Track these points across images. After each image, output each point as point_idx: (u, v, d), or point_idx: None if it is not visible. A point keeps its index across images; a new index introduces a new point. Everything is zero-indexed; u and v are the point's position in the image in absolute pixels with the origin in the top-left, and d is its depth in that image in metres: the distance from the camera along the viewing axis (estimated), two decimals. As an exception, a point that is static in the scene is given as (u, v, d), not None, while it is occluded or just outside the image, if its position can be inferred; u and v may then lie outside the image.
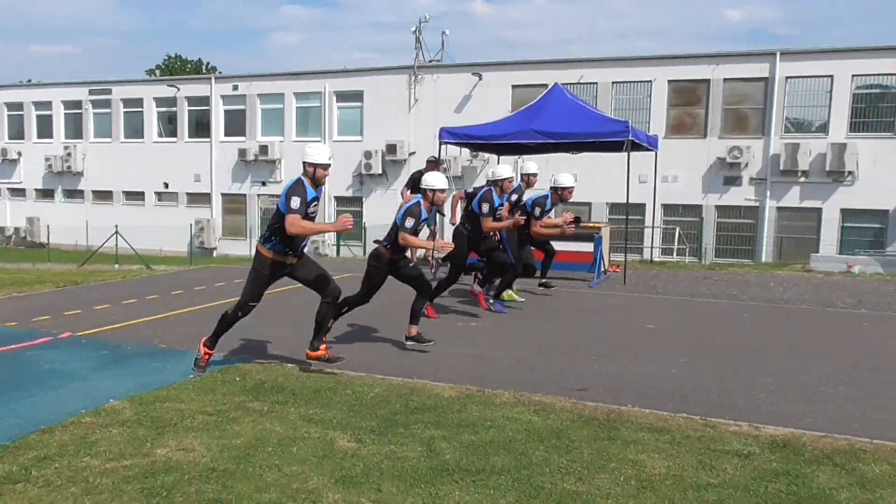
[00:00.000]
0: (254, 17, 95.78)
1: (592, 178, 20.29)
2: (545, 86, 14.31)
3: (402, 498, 3.85)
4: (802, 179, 21.89)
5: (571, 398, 5.63)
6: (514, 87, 24.41)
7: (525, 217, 9.26)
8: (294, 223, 5.84)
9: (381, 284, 7.12)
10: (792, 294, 11.42)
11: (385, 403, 5.43)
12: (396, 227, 6.97)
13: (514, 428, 4.92)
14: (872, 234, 21.42)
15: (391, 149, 25.64)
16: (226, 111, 29.39)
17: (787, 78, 22.02)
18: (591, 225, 14.39)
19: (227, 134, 29.27)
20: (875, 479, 4.20)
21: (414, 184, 13.83)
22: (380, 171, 26.14)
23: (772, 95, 22.06)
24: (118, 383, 5.90)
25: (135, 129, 30.92)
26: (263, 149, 27.88)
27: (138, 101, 30.68)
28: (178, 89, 29.97)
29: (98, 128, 31.60)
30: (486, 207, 8.73)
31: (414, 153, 25.40)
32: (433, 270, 11.80)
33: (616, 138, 11.60)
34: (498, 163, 16.56)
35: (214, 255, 28.31)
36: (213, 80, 30.17)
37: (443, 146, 13.40)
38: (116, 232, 22.46)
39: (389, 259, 6.99)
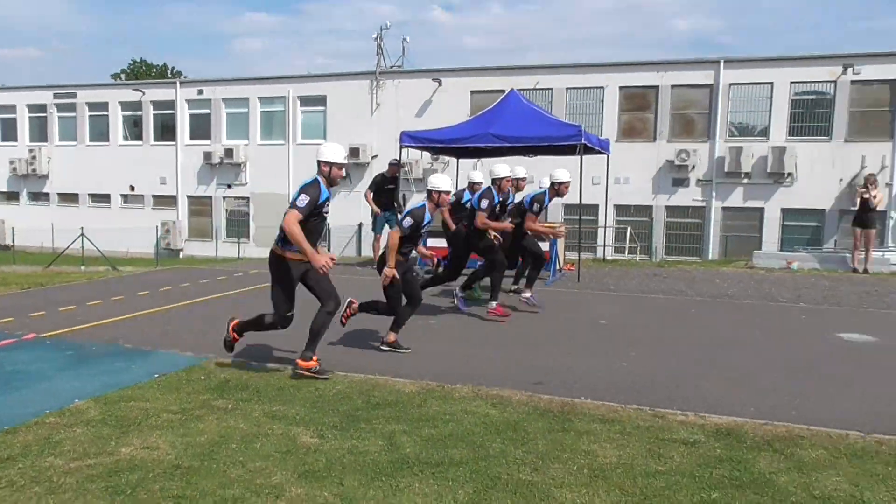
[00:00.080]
0: (219, 23, 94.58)
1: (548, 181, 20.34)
2: (502, 91, 14.33)
3: (364, 491, 3.84)
4: (745, 181, 22.31)
5: (527, 391, 5.66)
6: (472, 92, 24.46)
7: (515, 222, 9.15)
8: (291, 220, 5.61)
9: (401, 289, 6.83)
10: (736, 290, 11.64)
11: (347, 400, 5.40)
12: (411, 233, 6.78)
13: (472, 421, 4.93)
14: (811, 232, 21.92)
15: (354, 152, 25.49)
16: (191, 115, 28.94)
17: (731, 85, 22.43)
18: (548, 225, 14.50)
19: (192, 137, 28.83)
20: (811, 463, 4.30)
21: (377, 186, 13.80)
22: (343, 174, 25.93)
23: (716, 101, 22.44)
24: (83, 383, 5.77)
25: (100, 132, 30.28)
26: (229, 152, 27.53)
27: (104, 105, 30.06)
28: (144, 93, 29.43)
29: (63, 131, 30.87)
30: (484, 203, 8.59)
31: (376, 156, 25.32)
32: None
33: (569, 142, 11.70)
34: (457, 166, 16.66)
35: (181, 256, 27.88)
36: (178, 85, 29.70)
37: (404, 149, 13.37)
38: (82, 234, 21.97)
39: (398, 260, 6.74)
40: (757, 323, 8.94)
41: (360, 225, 24.44)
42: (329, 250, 25.62)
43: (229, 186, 28.17)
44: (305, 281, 5.98)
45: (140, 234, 26.33)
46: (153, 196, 29.55)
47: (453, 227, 9.83)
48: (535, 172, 22.05)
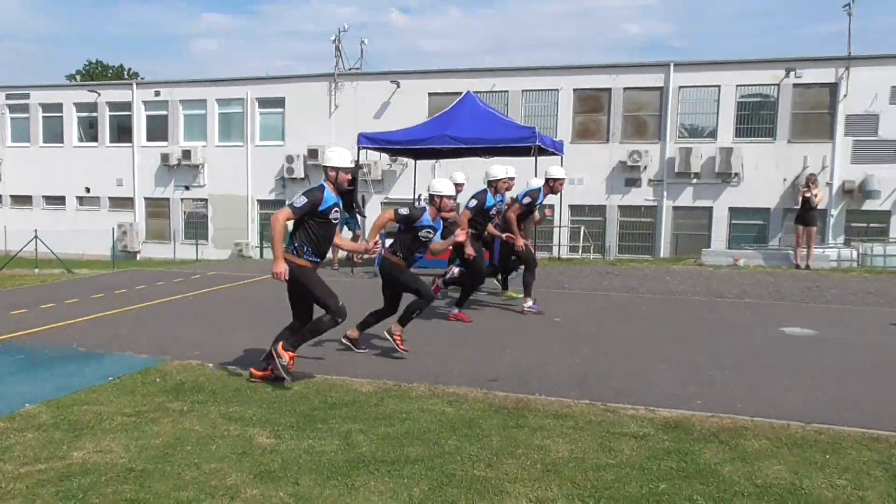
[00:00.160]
0: (175, 24, 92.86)
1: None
2: (460, 93, 14.38)
3: (319, 490, 3.81)
4: (695, 181, 22.73)
5: (483, 389, 5.68)
6: (430, 94, 24.46)
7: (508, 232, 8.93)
8: (279, 215, 5.50)
9: (415, 277, 6.76)
10: (685, 286, 11.85)
11: (304, 400, 5.35)
12: (400, 233, 6.69)
13: (428, 419, 4.93)
14: (757, 229, 22.43)
15: (313, 153, 25.29)
16: (148, 116, 28.38)
17: (680, 87, 22.82)
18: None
19: (149, 139, 28.27)
20: (754, 452, 4.40)
21: None
22: (302, 175, 25.75)
23: (667, 103, 22.81)
24: (35, 388, 5.63)
25: (54, 133, 29.50)
26: (186, 153, 27.07)
27: (58, 106, 29.29)
28: (99, 94, 28.76)
29: (16, 132, 29.99)
30: (472, 202, 8.48)
31: (335, 157, 25.12)
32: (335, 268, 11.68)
33: (524, 143, 11.80)
34: (415, 167, 16.66)
35: (138, 258, 27.32)
36: (134, 86, 29.10)
37: (362, 151, 13.32)
38: (36, 237, 21.39)
39: (392, 262, 6.67)
40: (705, 318, 9.11)
41: (319, 226, 24.22)
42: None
43: (187, 188, 27.72)
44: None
45: (96, 236, 25.74)
46: (109, 198, 28.91)
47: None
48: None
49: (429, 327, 8.31)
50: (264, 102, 26.88)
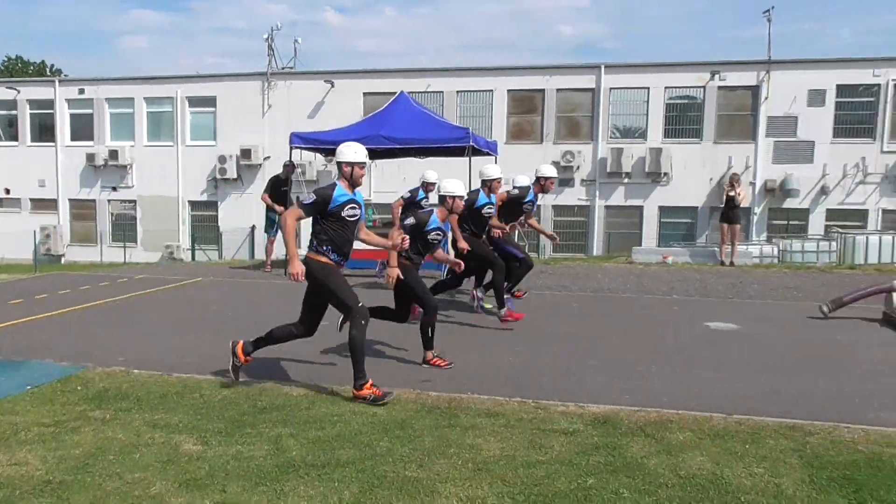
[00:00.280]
0: (102, 20, 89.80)
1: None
2: (395, 94, 14.33)
3: (247, 497, 3.74)
4: (626, 180, 23.24)
5: (416, 389, 5.68)
6: (365, 94, 24.32)
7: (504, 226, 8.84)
8: (286, 216, 5.40)
9: (422, 283, 6.58)
10: (616, 284, 12.10)
11: (233, 405, 5.25)
12: (412, 236, 6.48)
13: (360, 421, 4.90)
14: (685, 228, 23.09)
15: (246, 153, 24.86)
16: (72, 115, 27.34)
17: (611, 89, 23.29)
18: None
19: (73, 138, 27.24)
20: (679, 445, 4.52)
21: (272, 187, 13.50)
22: (235, 176, 25.27)
23: (598, 105, 23.25)
24: (-55, 400, 5.35)
25: (-30, 132, 28.18)
26: (113, 154, 26.20)
27: (-26, 104, 27.99)
28: (19, 91, 27.57)
29: (-71, 131, 28.54)
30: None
31: (269, 157, 24.75)
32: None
33: (458, 144, 11.86)
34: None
35: (63, 262, 26.30)
36: (56, 84, 27.99)
37: (297, 151, 13.15)
38: (-49, 240, 20.39)
39: (405, 265, 6.49)
40: (634, 315, 9.32)
41: (252, 227, 23.85)
42: (221, 255, 24.72)
43: (115, 189, 26.84)
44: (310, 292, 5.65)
45: (17, 239, 24.69)
46: (31, 199, 27.76)
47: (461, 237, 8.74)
48: (428, 174, 22.17)
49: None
50: (195, 101, 26.26)
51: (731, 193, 14.86)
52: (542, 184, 9.08)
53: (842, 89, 21.59)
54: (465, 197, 7.14)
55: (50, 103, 27.27)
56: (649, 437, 4.65)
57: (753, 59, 22.44)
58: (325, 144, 12.79)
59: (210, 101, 26.02)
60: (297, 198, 14.82)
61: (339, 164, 5.57)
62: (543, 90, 23.75)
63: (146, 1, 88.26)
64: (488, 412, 5.14)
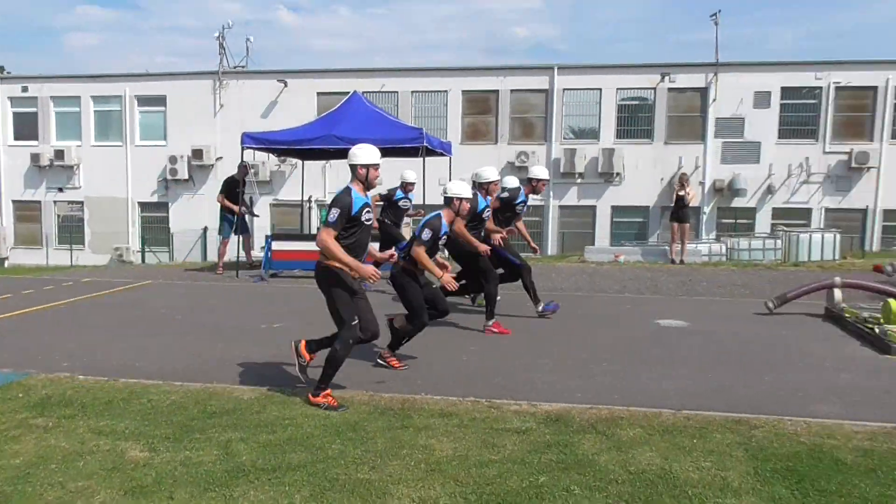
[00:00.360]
0: (47, 16, 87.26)
1: (396, 182, 20.60)
2: (349, 93, 14.23)
3: (196, 503, 3.67)
4: (579, 180, 23.48)
5: (369, 391, 5.65)
6: (319, 94, 24.10)
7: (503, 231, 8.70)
8: (324, 238, 5.14)
9: (421, 296, 6.40)
10: (569, 283, 12.22)
11: (182, 410, 5.15)
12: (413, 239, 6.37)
13: (311, 424, 4.85)
14: (637, 227, 23.43)
15: (197, 154, 24.41)
16: (15, 113, 26.49)
17: (564, 90, 23.51)
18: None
19: (17, 137, 26.39)
20: (629, 441, 4.59)
21: (228, 188, 13.30)
22: (186, 177, 24.80)
23: (552, 106, 23.46)
24: None
25: None
26: (59, 154, 25.46)
27: None
28: (-43, 89, 26.64)
29: None
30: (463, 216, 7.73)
31: (221, 158, 24.36)
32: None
33: (412, 144, 11.84)
34: (303, 167, 16.39)
35: (6, 265, 25.49)
36: (-3, 81, 27.12)
37: (253, 151, 12.99)
38: None
39: (406, 269, 6.40)
40: (587, 313, 9.42)
41: (204, 229, 23.45)
42: (172, 257, 24.27)
43: (61, 190, 26.09)
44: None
45: (-43, 242, 23.86)
46: (-28, 201, 26.84)
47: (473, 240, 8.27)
48: (383, 174, 22.07)
49: (313, 332, 8.17)
50: (144, 100, 25.68)
51: (681, 193, 15.14)
52: (533, 185, 9.02)
53: (786, 91, 22.16)
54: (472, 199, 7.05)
55: (-10, 101, 26.40)
56: (600, 434, 4.71)
57: (702, 61, 22.88)
58: (276, 144, 12.66)
59: (160, 101, 25.49)
60: (251, 199, 14.66)
61: (353, 167, 5.41)
62: (498, 91, 23.86)
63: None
64: (442, 412, 5.14)
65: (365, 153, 5.45)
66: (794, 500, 3.78)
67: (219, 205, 13.38)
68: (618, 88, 23.23)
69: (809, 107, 22.23)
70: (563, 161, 23.10)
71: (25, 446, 4.41)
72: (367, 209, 5.36)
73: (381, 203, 11.22)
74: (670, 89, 22.85)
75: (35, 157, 25.77)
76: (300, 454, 4.32)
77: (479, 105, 24.26)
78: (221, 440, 4.54)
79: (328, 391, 5.30)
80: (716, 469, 4.13)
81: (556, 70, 23.37)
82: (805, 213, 22.15)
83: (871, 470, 4.14)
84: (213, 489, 3.83)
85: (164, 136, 25.26)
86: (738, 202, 22.51)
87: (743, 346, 7.43)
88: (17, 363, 6.43)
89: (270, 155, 18.45)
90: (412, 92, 24.22)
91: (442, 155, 13.49)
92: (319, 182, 22.56)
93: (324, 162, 19.25)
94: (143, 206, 25.78)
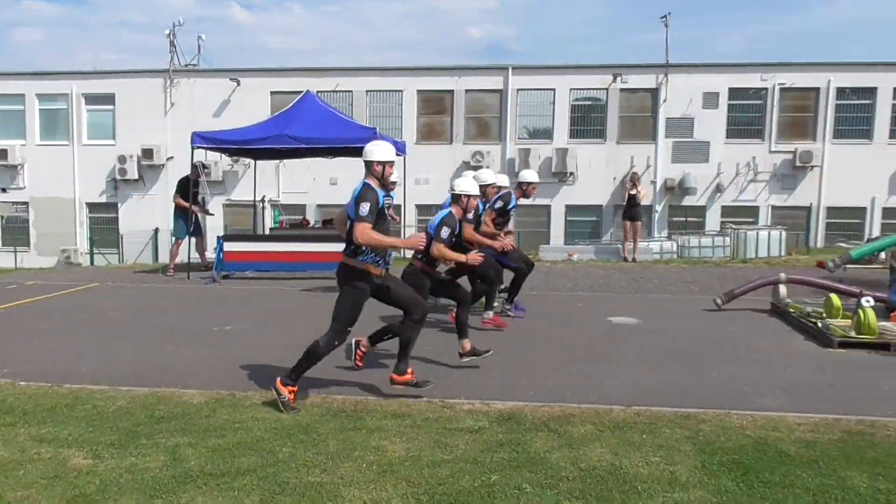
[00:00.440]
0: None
1: (352, 182, 20.46)
2: (303, 93, 14.08)
3: (141, 511, 3.58)
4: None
5: (321, 393, 5.59)
6: (272, 93, 23.79)
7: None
8: (364, 232, 5.10)
9: (428, 296, 6.40)
10: (524, 282, 12.25)
11: (128, 415, 5.02)
12: (430, 239, 6.31)
13: (262, 428, 4.78)
14: (591, 225, 23.69)
15: (147, 153, 23.87)
16: (-46, 112, 25.61)
17: (519, 90, 23.65)
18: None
19: (-43, 137, 25.51)
20: (580, 438, 4.63)
21: (182, 188, 13.04)
22: (136, 177, 24.23)
23: (506, 106, 23.57)
24: None
25: None
26: (2, 153, 24.61)
27: None
28: None
29: None
30: (470, 214, 7.58)
31: (172, 158, 23.86)
32: None
33: (365, 144, 11.72)
34: (255, 167, 16.16)
35: (-53, 268, 24.60)
36: (-65, 78, 26.11)
37: (205, 151, 12.75)
38: None
39: (423, 270, 6.41)
40: (541, 312, 9.47)
41: (155, 230, 22.98)
42: (122, 259, 23.62)
43: (4, 190, 25.24)
44: (379, 295, 5.46)
45: None
46: None
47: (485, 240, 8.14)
48: (339, 174, 21.97)
49: (264, 334, 8.08)
50: (92, 99, 25.02)
51: (633, 192, 15.36)
52: (523, 189, 9.10)
53: (733, 92, 22.64)
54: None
55: (-72, 99, 25.42)
56: (552, 432, 4.73)
57: (652, 62, 23.25)
58: (227, 144, 12.45)
59: (108, 99, 24.86)
60: (203, 199, 14.38)
61: (369, 163, 5.39)
62: (453, 91, 23.87)
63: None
64: (395, 413, 5.11)
65: (381, 150, 5.45)
66: (740, 492, 3.85)
67: (173, 206, 13.17)
68: (571, 89, 23.45)
69: (756, 107, 22.77)
70: (518, 161, 23.21)
71: (-38, 456, 4.25)
72: (387, 202, 5.43)
73: None
74: (622, 90, 23.15)
75: (-23, 157, 24.91)
76: (250, 458, 4.25)
77: (435, 105, 24.25)
78: (169, 445, 4.44)
79: (296, 388, 5.29)
80: (664, 464, 4.19)
81: (510, 70, 23.48)
82: (753, 211, 22.67)
83: (812, 461, 4.25)
84: (160, 496, 3.74)
85: (113, 136, 24.65)
86: (688, 201, 22.92)
87: (692, 343, 7.56)
88: (-45, 370, 6.20)
89: (223, 155, 18.14)
90: (367, 91, 24.09)
91: (396, 155, 13.43)
92: (273, 182, 22.30)
93: (277, 161, 19.05)
94: (92, 206, 25.12)
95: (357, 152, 12.54)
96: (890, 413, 5.11)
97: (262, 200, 19.81)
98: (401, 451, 4.38)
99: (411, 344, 5.56)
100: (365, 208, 5.15)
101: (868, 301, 7.48)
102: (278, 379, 5.30)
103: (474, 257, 6.62)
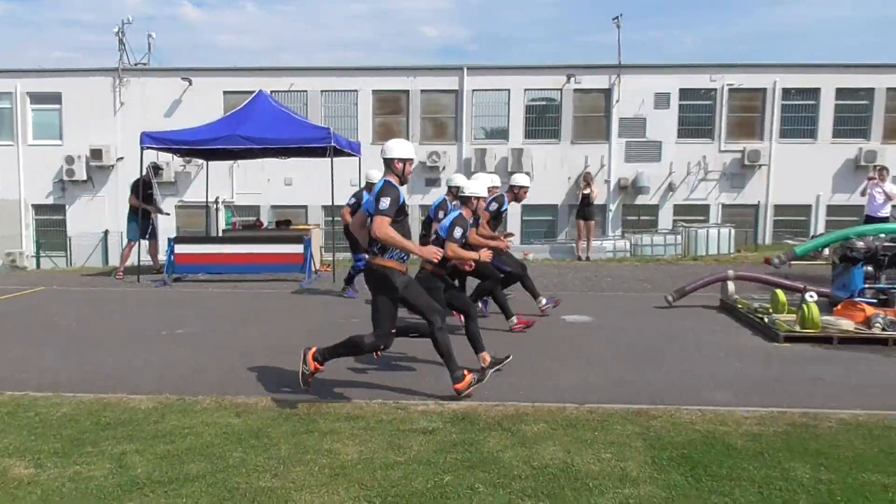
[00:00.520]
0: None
1: (307, 183, 20.41)
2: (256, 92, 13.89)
3: (84, 522, 3.48)
4: (490, 180, 23.69)
5: (274, 397, 5.51)
6: (225, 92, 23.44)
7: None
8: (382, 226, 5.10)
9: (430, 297, 6.10)
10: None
11: (73, 423, 4.88)
12: (437, 241, 6.29)
13: (212, 433, 4.69)
14: (546, 225, 23.89)
15: (96, 154, 23.31)
16: None
17: (474, 91, 23.72)
18: (301, 227, 14.36)
19: None
20: (533, 436, 4.64)
21: (138, 190, 12.73)
22: (84, 177, 23.63)
23: (462, 106, 23.62)
24: None
25: None
26: (-57, 153, 23.84)
27: None
28: None
29: None
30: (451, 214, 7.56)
31: (122, 158, 23.35)
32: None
33: (319, 144, 11.66)
34: (207, 168, 15.88)
35: None
36: None
37: (155, 152, 12.49)
38: None
39: (434, 273, 6.28)
40: (494, 310, 9.45)
41: (105, 232, 22.44)
42: (70, 262, 23.04)
43: (-55, 192, 24.41)
44: (403, 299, 5.43)
45: None
46: None
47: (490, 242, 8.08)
48: (294, 174, 21.79)
49: (215, 335, 7.95)
50: (38, 97, 24.33)
51: (586, 191, 15.53)
52: (515, 192, 9.14)
53: (684, 93, 23.08)
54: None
55: None
56: (506, 431, 4.74)
57: (605, 63, 23.54)
58: (178, 144, 12.22)
59: (55, 98, 24.19)
60: (156, 200, 14.08)
61: (389, 160, 5.45)
62: (408, 91, 23.83)
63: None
64: (348, 416, 5.07)
65: (401, 147, 5.53)
66: (689, 485, 3.91)
67: (128, 207, 12.93)
68: (525, 89, 23.62)
69: (705, 107, 23.24)
70: (475, 161, 23.29)
71: None
72: (405, 204, 5.48)
73: (353, 204, 10.60)
74: (576, 90, 23.40)
75: (-85, 158, 24.01)
76: (199, 464, 4.17)
77: (390, 105, 24.18)
78: (115, 453, 4.32)
79: (320, 368, 5.42)
80: (615, 460, 4.23)
81: (465, 70, 23.55)
82: (703, 210, 23.12)
83: (758, 453, 4.34)
84: (104, 505, 3.65)
85: (60, 136, 24.01)
86: (641, 199, 23.28)
87: (644, 340, 7.66)
88: None
89: (175, 155, 17.81)
90: (322, 91, 23.91)
91: (351, 155, 13.36)
92: (227, 183, 21.97)
93: (231, 162, 18.77)
94: (38, 208, 24.43)
95: (311, 153, 12.65)
96: (832, 405, 5.25)
97: (216, 202, 19.49)
98: (353, 454, 4.34)
99: (450, 350, 5.47)
100: (385, 202, 5.19)
101: (812, 296, 7.68)
102: (314, 349, 5.42)
103: (487, 254, 6.63)
